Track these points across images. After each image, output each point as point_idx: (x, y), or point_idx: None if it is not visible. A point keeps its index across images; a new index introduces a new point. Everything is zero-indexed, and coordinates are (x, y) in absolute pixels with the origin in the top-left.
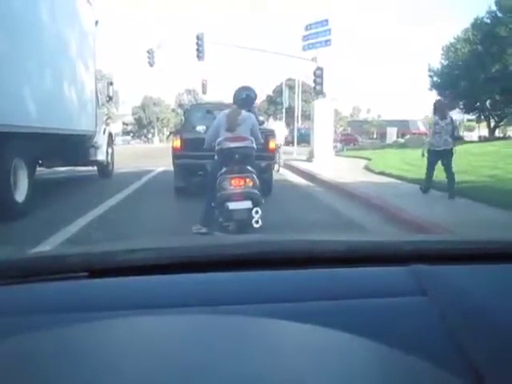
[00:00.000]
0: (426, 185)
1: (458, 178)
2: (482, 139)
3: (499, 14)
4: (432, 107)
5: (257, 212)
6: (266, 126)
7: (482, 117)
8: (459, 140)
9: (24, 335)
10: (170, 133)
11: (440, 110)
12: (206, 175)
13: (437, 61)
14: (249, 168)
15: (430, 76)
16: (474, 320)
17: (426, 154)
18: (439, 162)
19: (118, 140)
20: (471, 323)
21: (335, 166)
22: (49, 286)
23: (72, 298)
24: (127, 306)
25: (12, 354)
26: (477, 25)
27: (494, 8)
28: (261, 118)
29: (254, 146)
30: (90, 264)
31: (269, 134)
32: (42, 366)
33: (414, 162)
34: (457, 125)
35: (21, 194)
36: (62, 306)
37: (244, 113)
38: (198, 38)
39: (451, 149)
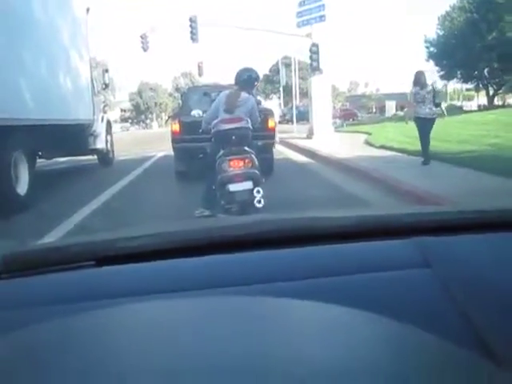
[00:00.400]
0: (425, 156)
1: (459, 147)
2: (481, 108)
3: None
4: (414, 78)
5: (258, 192)
6: (263, 105)
7: (481, 85)
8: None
9: (32, 327)
10: (169, 117)
11: (420, 80)
12: (205, 158)
13: (433, 31)
14: (246, 149)
15: (427, 47)
16: (477, 289)
17: (408, 123)
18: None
19: (116, 127)
20: (475, 293)
21: (335, 142)
22: (55, 276)
23: (79, 288)
24: (135, 293)
25: (22, 346)
26: None
27: None
28: (258, 98)
29: (250, 126)
30: (95, 253)
31: (268, 114)
32: (51, 357)
33: (414, 134)
34: (438, 92)
35: (22, 186)
36: (69, 296)
37: (244, 94)
38: (191, 20)
39: (434, 118)
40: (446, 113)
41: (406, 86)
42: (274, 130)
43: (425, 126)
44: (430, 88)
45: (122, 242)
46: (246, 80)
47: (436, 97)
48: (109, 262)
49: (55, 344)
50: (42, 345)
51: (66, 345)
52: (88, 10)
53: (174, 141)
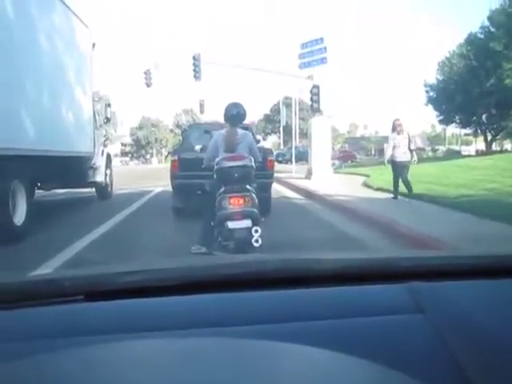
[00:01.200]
0: (394, 191)
1: (457, 191)
2: (479, 153)
3: (492, 29)
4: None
5: (256, 231)
6: (262, 144)
7: (479, 131)
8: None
9: (20, 360)
10: (168, 153)
11: (397, 127)
12: (204, 195)
13: (433, 76)
14: (248, 187)
15: (426, 91)
16: (471, 337)
17: (387, 165)
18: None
19: (116, 161)
20: (468, 340)
21: (333, 183)
22: (44, 310)
23: (67, 323)
24: (123, 330)
25: (9, 379)
26: (471, 40)
27: (486, 23)
28: (258, 137)
29: (253, 164)
30: (85, 287)
31: (267, 153)
32: None
33: (412, 177)
34: (411, 139)
35: (19, 217)
36: (57, 330)
37: (241, 131)
38: (194, 58)
39: (408, 161)
40: (416, 158)
41: (405, 130)
42: (272, 168)
43: (398, 167)
44: (405, 134)
45: (113, 278)
46: (235, 115)
47: (410, 143)
48: (100, 298)
49: (42, 377)
50: (30, 378)
51: (53, 379)
52: (94, 45)
53: (172, 176)
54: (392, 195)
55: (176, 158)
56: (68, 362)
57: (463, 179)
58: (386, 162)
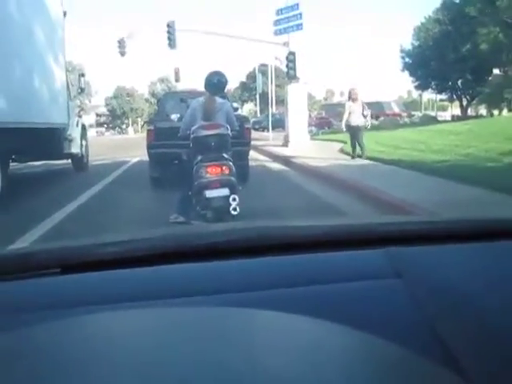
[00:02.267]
0: (352, 152)
1: (433, 157)
2: (455, 118)
3: None
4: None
5: (234, 199)
6: (240, 112)
7: (455, 96)
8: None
9: None
10: (145, 122)
11: (352, 95)
12: (181, 164)
13: (408, 42)
14: (225, 155)
15: (402, 57)
16: (448, 301)
17: (344, 129)
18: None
19: (91, 132)
20: (446, 304)
21: (311, 150)
22: (21, 283)
23: (44, 296)
24: (102, 301)
25: None
26: (446, 5)
27: None
28: (235, 105)
29: (229, 132)
30: (61, 260)
31: (243, 120)
32: (14, 365)
33: (389, 142)
34: (364, 106)
35: None
36: (34, 304)
37: (219, 100)
38: (168, 25)
39: (362, 125)
40: (369, 123)
41: (381, 96)
42: (249, 136)
43: (353, 131)
44: (359, 102)
45: (89, 249)
46: (216, 84)
47: (364, 109)
48: (75, 270)
49: (19, 351)
50: (2, 353)
51: (30, 353)
52: (65, 13)
53: (149, 146)
54: (351, 155)
55: (152, 127)
56: (46, 336)
57: (439, 145)
58: (342, 127)
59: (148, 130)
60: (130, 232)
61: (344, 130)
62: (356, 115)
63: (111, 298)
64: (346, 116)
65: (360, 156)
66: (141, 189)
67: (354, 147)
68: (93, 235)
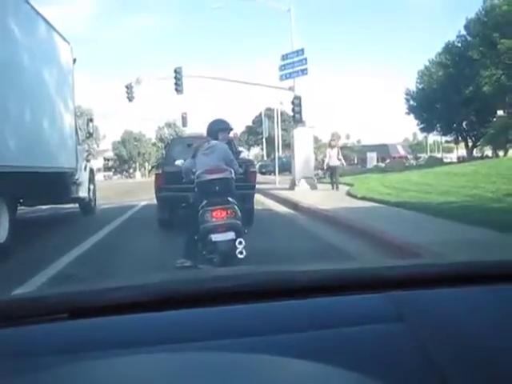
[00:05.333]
0: (331, 184)
1: (439, 198)
2: (460, 160)
3: (469, 38)
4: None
5: (240, 243)
6: (246, 155)
7: (460, 138)
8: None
9: (6, 379)
10: (152, 167)
11: (331, 143)
12: (187, 208)
13: (413, 85)
14: (229, 199)
15: (407, 100)
16: (452, 345)
17: (325, 168)
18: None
19: (99, 176)
20: (449, 348)
21: (317, 193)
22: (29, 328)
23: (52, 340)
24: (109, 346)
25: None
26: (449, 49)
27: (463, 32)
28: (240, 149)
29: (233, 176)
30: (69, 305)
31: (248, 164)
32: None
33: (395, 185)
34: (339, 151)
35: (2, 233)
36: (42, 348)
37: (213, 141)
38: (176, 71)
39: (338, 165)
40: (344, 164)
41: (387, 138)
42: (254, 180)
43: (333, 170)
44: (335, 149)
45: (96, 295)
46: (217, 131)
47: (339, 154)
48: (83, 315)
49: None
50: None
51: None
52: (75, 60)
53: (157, 190)
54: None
55: (160, 171)
56: (54, 380)
57: (445, 186)
58: (324, 167)
59: (156, 174)
60: (137, 277)
61: (325, 168)
62: (333, 158)
63: (119, 342)
64: (326, 159)
65: (337, 188)
66: (148, 233)
67: (332, 181)
68: (100, 280)
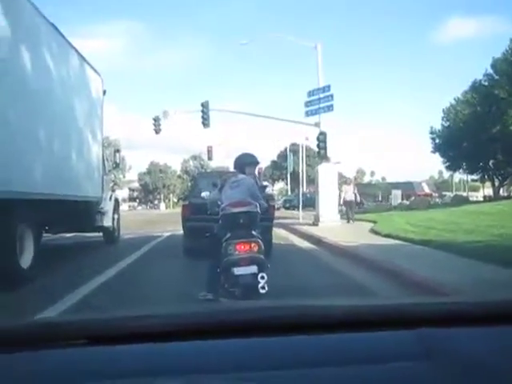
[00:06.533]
0: (347, 218)
1: (465, 237)
2: (487, 199)
3: (496, 77)
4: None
5: (262, 277)
6: (269, 190)
7: (486, 176)
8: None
9: None
10: (179, 198)
11: (347, 181)
12: (212, 237)
13: (438, 123)
14: (253, 233)
15: (433, 138)
16: (478, 382)
17: (341, 203)
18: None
19: (124, 206)
20: None
21: (341, 230)
22: (48, 353)
23: (71, 366)
24: (127, 374)
25: None
26: (475, 87)
27: (490, 71)
28: (265, 183)
29: (258, 210)
30: (88, 331)
31: (268, 198)
32: None
33: (420, 223)
34: (354, 188)
35: (26, 260)
36: (61, 373)
37: (240, 175)
38: (203, 105)
39: (352, 200)
40: (359, 199)
41: (412, 175)
42: (273, 213)
43: (347, 204)
44: (351, 185)
45: (117, 322)
46: (245, 165)
47: (354, 189)
48: (101, 342)
49: None
50: None
51: None
52: (104, 92)
53: (184, 219)
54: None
55: (187, 202)
56: None
57: (471, 225)
58: (340, 202)
59: (183, 205)
60: (157, 307)
61: (341, 204)
62: (349, 194)
63: (138, 371)
64: (342, 194)
65: (352, 221)
66: (171, 264)
67: (348, 216)
68: (121, 308)
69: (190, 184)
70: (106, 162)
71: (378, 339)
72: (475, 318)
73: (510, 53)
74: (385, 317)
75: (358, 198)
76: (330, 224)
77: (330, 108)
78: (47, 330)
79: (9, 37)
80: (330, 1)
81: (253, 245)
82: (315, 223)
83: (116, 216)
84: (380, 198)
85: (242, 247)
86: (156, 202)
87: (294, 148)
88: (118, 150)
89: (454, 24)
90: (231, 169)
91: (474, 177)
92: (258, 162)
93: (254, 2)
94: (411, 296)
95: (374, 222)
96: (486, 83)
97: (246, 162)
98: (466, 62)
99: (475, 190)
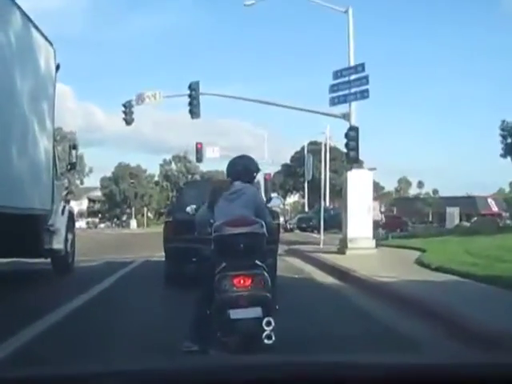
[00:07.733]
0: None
1: None
2: None
3: None
4: None
5: (269, 323)
6: (276, 204)
7: None
8: None
9: None
10: (157, 213)
11: (374, 197)
12: (200, 263)
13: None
14: (257, 262)
15: (503, 136)
16: None
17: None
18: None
19: (81, 223)
20: None
21: (377, 260)
22: None
23: None
24: None
25: None
26: None
27: None
28: (273, 195)
29: (264, 231)
30: None
31: (271, 214)
32: None
33: (485, 252)
34: (381, 204)
35: None
36: None
37: (239, 183)
38: (191, 87)
39: (378, 219)
40: (383, 218)
41: (474, 188)
42: (278, 233)
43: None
44: (377, 202)
45: (66, 381)
46: (240, 171)
47: (381, 207)
48: None
49: None
50: None
51: None
52: (58, 66)
53: (165, 240)
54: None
55: (170, 219)
56: None
57: None
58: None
59: (166, 222)
60: (124, 361)
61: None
62: (375, 213)
63: None
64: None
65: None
66: (145, 300)
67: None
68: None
69: (173, 195)
70: (57, 162)
71: None
72: None
73: None
74: (433, 379)
75: (383, 219)
76: (362, 252)
77: (364, 94)
78: None
79: None
80: None
81: (256, 279)
82: (341, 250)
83: (70, 236)
84: (430, 218)
85: (242, 282)
86: (125, 217)
87: (314, 148)
88: (74, 146)
89: None
90: None
91: None
92: (258, 170)
93: None
94: (470, 353)
95: (422, 250)
96: None
97: (239, 170)
98: None
99: None
